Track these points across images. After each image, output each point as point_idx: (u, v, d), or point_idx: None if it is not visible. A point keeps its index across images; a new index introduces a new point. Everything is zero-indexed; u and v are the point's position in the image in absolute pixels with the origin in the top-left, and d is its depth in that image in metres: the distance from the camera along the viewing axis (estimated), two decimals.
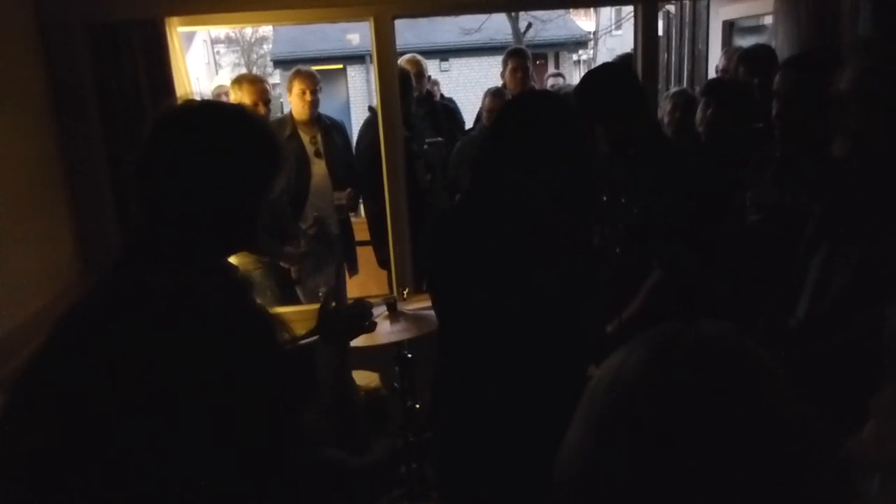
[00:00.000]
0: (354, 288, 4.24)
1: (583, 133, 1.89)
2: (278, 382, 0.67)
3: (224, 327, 0.65)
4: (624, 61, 4.29)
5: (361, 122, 4.19)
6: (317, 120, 3.91)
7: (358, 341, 2.52)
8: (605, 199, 2.51)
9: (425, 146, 3.74)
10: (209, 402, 0.61)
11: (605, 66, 2.61)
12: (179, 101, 1.38)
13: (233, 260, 3.45)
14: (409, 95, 3.63)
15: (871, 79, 1.51)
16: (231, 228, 1.34)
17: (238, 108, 1.48)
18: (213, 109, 1.38)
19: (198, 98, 1.58)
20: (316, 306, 2.99)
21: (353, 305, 1.73)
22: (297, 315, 3.31)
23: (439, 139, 3.82)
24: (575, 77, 19.74)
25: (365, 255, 4.16)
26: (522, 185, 1.76)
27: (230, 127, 1.31)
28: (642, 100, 2.42)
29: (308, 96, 3.79)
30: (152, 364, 0.60)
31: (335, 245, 1.96)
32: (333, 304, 1.65)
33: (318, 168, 3.86)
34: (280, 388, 0.67)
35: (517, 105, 1.93)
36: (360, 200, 4.19)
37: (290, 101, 3.91)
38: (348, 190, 3.82)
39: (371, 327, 1.74)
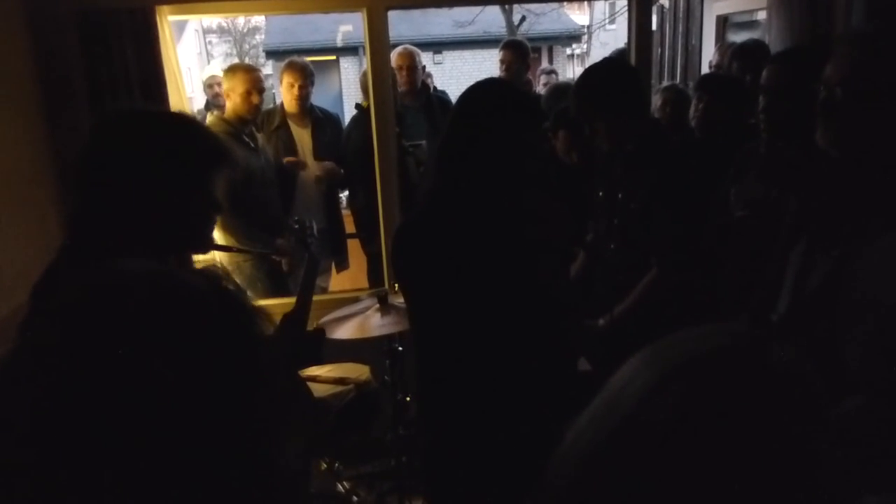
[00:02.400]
0: (346, 281, 4.23)
1: (534, 121, 1.85)
2: (261, 367, 0.66)
3: (210, 308, 0.64)
4: (620, 58, 4.28)
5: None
6: (309, 112, 3.89)
7: (349, 333, 2.54)
8: (601, 194, 2.51)
9: (409, 148, 3.72)
10: (199, 384, 0.59)
11: (606, 60, 2.60)
12: (123, 106, 1.44)
13: (224, 253, 3.44)
14: (394, 92, 3.62)
15: (858, 71, 1.52)
16: (167, 231, 1.37)
17: (175, 114, 1.53)
18: (148, 115, 1.43)
19: (187, 91, 1.62)
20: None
21: (310, 335, 1.73)
22: (287, 307, 3.28)
23: (421, 143, 3.81)
24: (568, 71, 19.76)
25: (356, 249, 4.15)
26: (501, 179, 1.71)
27: (163, 131, 1.36)
28: (643, 96, 2.40)
29: (296, 90, 3.76)
30: (138, 348, 0.58)
31: (311, 250, 1.99)
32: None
33: (309, 161, 3.84)
34: (262, 374, 0.66)
35: (470, 98, 1.82)
36: (348, 194, 4.19)
37: (281, 93, 3.88)
38: (327, 162, 3.81)
39: (319, 361, 1.74)
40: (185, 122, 1.43)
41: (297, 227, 2.15)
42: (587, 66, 2.57)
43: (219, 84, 4.40)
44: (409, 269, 1.82)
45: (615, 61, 2.83)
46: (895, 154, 1.50)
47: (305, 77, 3.79)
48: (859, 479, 0.59)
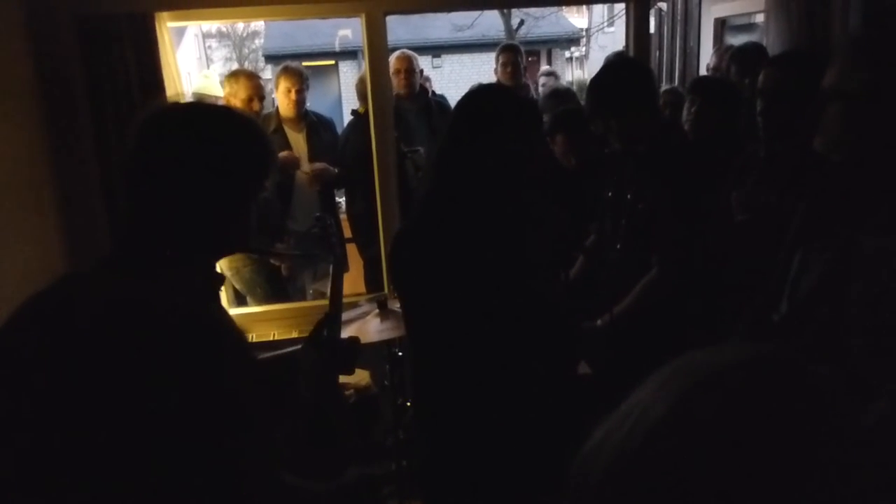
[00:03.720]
0: (346, 286, 4.21)
1: (536, 127, 1.87)
2: (233, 394, 0.65)
3: (172, 335, 0.64)
4: (636, 58, 4.28)
5: None
6: (304, 117, 3.90)
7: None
8: (609, 194, 2.51)
9: (408, 153, 3.72)
10: (149, 411, 0.59)
11: (623, 60, 2.59)
12: (168, 101, 1.36)
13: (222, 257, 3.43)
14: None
15: (854, 76, 1.52)
16: (221, 229, 1.32)
17: (226, 109, 1.47)
18: (201, 109, 1.37)
19: (186, 97, 1.57)
20: (305, 304, 2.96)
21: (346, 343, 1.72)
22: (287, 313, 3.30)
23: (418, 149, 3.81)
24: (567, 74, 19.76)
25: (353, 253, 4.15)
26: (500, 185, 1.71)
27: (219, 127, 1.30)
28: (657, 97, 2.40)
29: (293, 95, 3.78)
30: (93, 372, 0.59)
31: (336, 249, 1.89)
32: (325, 332, 1.66)
33: (304, 166, 3.85)
34: (237, 401, 0.65)
35: (469, 103, 1.81)
36: (345, 199, 4.19)
37: (277, 98, 3.90)
38: (318, 163, 3.82)
39: (351, 371, 1.74)
40: (246, 121, 1.38)
41: (319, 225, 2.09)
42: (586, 69, 2.58)
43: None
44: (407, 276, 1.82)
45: (631, 61, 2.82)
46: (891, 158, 1.50)
47: (301, 82, 3.81)
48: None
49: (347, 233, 4.15)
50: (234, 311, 3.34)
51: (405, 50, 4.16)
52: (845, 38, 2.05)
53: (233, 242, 1.41)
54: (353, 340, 1.81)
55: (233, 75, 3.62)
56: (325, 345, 1.66)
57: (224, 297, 3.24)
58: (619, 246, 2.42)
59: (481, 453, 1.77)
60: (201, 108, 1.39)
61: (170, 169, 1.24)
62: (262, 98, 3.58)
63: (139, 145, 1.27)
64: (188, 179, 1.24)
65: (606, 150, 3.31)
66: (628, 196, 2.38)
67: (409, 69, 4.03)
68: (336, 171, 3.88)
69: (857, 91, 1.50)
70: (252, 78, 3.59)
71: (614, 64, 2.49)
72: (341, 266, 1.87)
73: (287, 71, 3.84)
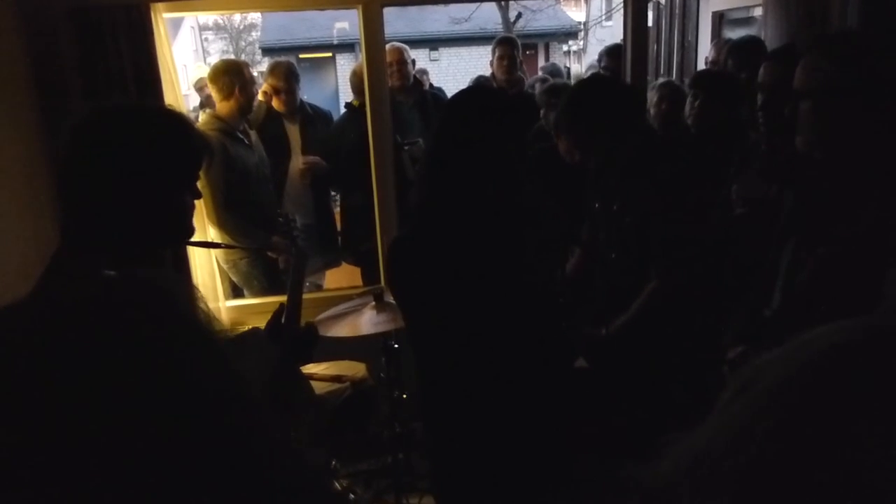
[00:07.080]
0: (342, 278, 4.22)
1: (524, 127, 1.88)
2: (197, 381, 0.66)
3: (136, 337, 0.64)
4: (613, 51, 4.27)
5: None
6: (299, 109, 3.90)
7: (345, 331, 2.54)
8: (597, 205, 2.49)
9: (405, 147, 3.71)
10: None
11: (593, 79, 2.57)
12: (100, 105, 1.42)
13: (220, 251, 3.42)
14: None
15: (816, 74, 1.52)
16: (154, 226, 1.37)
17: (158, 108, 1.54)
18: (131, 110, 1.42)
19: (182, 89, 1.60)
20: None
21: (303, 331, 1.73)
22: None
23: (418, 140, 3.80)
24: (564, 67, 19.68)
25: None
26: (494, 189, 1.69)
27: (146, 126, 1.35)
28: (633, 111, 2.38)
29: (280, 96, 3.81)
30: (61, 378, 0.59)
31: (298, 244, 1.97)
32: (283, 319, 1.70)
33: (297, 158, 3.86)
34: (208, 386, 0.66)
35: (457, 107, 1.80)
36: (340, 195, 4.19)
37: None
38: (311, 156, 3.83)
39: (308, 359, 1.76)
40: (171, 119, 1.42)
41: (282, 220, 2.17)
42: (584, 62, 2.58)
43: (205, 88, 4.41)
44: (406, 283, 1.81)
45: (603, 79, 2.77)
46: (876, 154, 1.50)
47: (288, 83, 3.80)
48: None
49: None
50: (230, 304, 3.34)
51: (395, 42, 4.13)
52: (809, 37, 2.05)
53: (168, 237, 1.46)
54: (310, 327, 1.83)
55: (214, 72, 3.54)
56: (282, 333, 1.69)
57: (221, 289, 3.24)
58: (614, 255, 2.40)
59: (486, 452, 1.78)
60: (131, 108, 1.44)
61: (99, 169, 1.29)
62: (252, 84, 3.55)
63: (70, 147, 1.31)
64: (117, 178, 1.29)
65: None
66: (614, 207, 2.35)
67: (400, 61, 3.99)
68: (328, 166, 3.88)
69: (820, 88, 1.50)
70: (240, 71, 3.54)
71: (583, 86, 2.47)
72: (303, 259, 1.91)
73: (272, 74, 3.85)
